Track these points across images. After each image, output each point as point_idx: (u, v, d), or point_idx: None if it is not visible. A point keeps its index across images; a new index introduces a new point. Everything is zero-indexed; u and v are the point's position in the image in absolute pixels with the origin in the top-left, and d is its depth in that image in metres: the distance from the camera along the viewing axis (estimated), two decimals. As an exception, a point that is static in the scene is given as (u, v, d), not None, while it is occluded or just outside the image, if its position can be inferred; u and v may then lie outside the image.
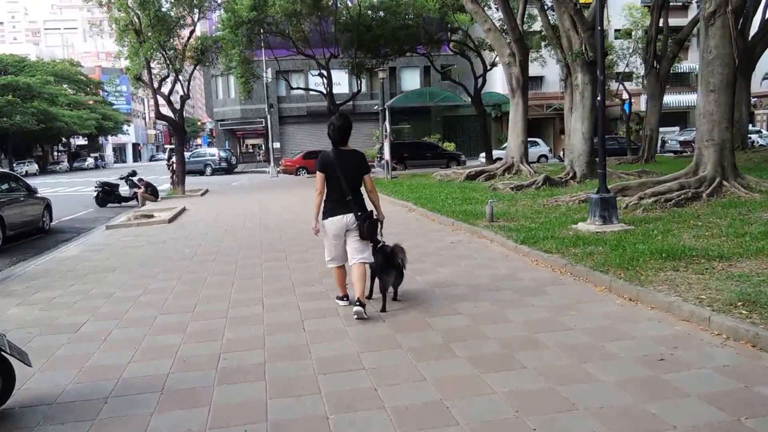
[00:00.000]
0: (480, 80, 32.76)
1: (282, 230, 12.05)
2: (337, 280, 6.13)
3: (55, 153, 71.63)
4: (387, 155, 25.26)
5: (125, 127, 77.04)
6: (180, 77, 23.03)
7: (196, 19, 23.36)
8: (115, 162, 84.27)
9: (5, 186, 13.15)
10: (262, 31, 29.11)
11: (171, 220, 14.12)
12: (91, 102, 64.60)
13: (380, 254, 5.92)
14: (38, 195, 14.37)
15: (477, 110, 33.56)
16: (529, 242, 8.62)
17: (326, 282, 7.19)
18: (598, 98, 10.93)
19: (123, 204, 20.39)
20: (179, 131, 23.01)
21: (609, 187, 12.90)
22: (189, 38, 22.86)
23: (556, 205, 12.67)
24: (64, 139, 66.92)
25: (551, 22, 23.29)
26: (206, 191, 23.57)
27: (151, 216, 14.99)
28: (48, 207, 14.50)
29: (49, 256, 10.23)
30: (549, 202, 13.19)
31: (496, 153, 33.98)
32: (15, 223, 12.46)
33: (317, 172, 5.80)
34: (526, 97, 21.86)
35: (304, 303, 6.37)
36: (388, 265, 5.89)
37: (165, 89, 23.41)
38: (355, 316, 5.57)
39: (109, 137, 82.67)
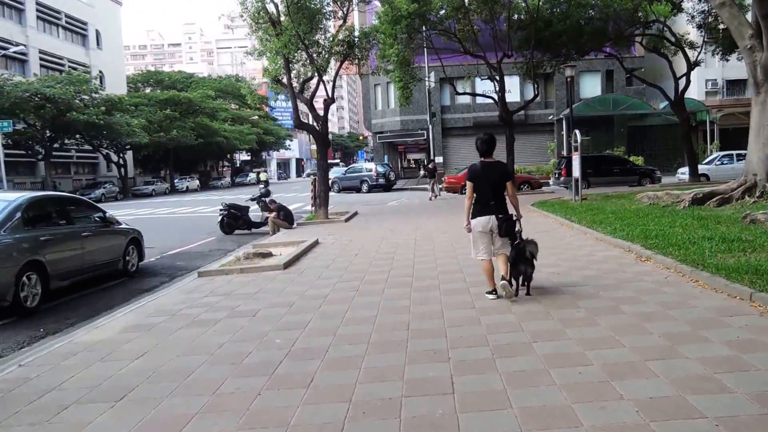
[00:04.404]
0: (683, 80, 26.88)
1: (445, 293, 7.23)
2: (486, 273, 6.85)
3: (220, 168, 73.03)
4: (576, 171, 19.76)
5: (287, 142, 77.04)
6: (325, 78, 19.23)
7: (346, 12, 19.63)
8: (278, 177, 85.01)
9: (59, 216, 9.23)
10: (424, 28, 25.33)
11: (287, 265, 9.95)
12: (255, 117, 64.66)
13: (514, 250, 6.73)
14: (121, 227, 10.80)
15: (680, 117, 27.73)
16: None
17: None
18: None
19: (253, 230, 16.88)
20: (322, 142, 19.20)
21: None
22: (337, 32, 19.08)
23: None
24: (228, 155, 67.86)
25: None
26: (353, 215, 19.53)
27: (268, 255, 10.96)
28: (135, 242, 10.84)
29: (62, 342, 6.19)
30: None
31: (700, 168, 27.90)
32: (68, 270, 8.71)
33: (467, 182, 6.86)
34: (777, 91, 15.41)
35: None
36: (519, 258, 6.68)
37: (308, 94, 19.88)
38: (502, 290, 6.60)
39: (273, 152, 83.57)
